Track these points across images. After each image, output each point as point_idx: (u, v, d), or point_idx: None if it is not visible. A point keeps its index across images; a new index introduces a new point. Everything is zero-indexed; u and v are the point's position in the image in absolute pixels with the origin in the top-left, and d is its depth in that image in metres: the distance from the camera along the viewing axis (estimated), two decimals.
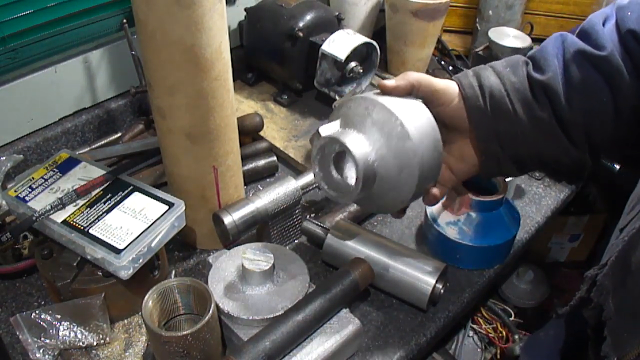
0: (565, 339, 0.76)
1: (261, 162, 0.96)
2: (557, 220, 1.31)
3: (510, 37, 1.07)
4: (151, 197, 0.75)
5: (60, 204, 0.73)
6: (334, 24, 1.08)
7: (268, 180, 0.98)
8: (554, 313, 0.80)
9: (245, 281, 0.69)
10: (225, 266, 0.72)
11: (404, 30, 1.13)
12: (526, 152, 0.58)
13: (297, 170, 0.99)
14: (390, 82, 0.58)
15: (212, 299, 0.63)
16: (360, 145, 0.55)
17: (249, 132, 1.00)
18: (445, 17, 1.15)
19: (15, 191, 0.76)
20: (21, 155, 0.89)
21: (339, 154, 0.57)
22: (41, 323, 0.69)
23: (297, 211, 0.84)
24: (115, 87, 1.04)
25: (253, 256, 0.69)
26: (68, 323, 0.70)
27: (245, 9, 1.10)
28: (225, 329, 0.68)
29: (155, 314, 0.65)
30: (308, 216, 0.89)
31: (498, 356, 1.08)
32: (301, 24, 1.03)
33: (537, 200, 0.96)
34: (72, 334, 0.70)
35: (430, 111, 0.58)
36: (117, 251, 0.68)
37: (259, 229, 0.83)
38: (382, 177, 0.56)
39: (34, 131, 0.96)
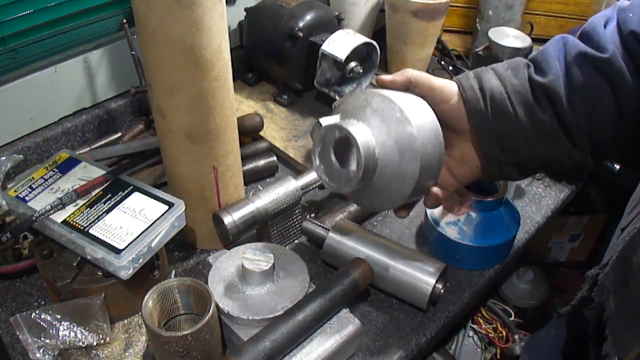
0: (566, 339, 0.76)
1: (261, 162, 0.96)
2: (557, 220, 1.31)
3: (510, 37, 1.07)
4: (151, 197, 0.75)
5: (60, 204, 0.73)
6: (334, 24, 1.08)
7: (268, 180, 0.98)
8: (555, 313, 0.80)
9: (245, 281, 0.69)
10: (225, 266, 0.72)
11: (404, 30, 1.13)
12: (528, 154, 0.58)
13: (297, 170, 0.99)
14: (388, 77, 0.59)
15: (212, 299, 0.63)
16: (361, 130, 0.55)
17: (249, 132, 1.00)
18: (445, 17, 1.15)
19: (15, 191, 0.76)
20: (21, 155, 0.89)
21: (340, 144, 0.57)
22: (41, 323, 0.69)
23: (297, 211, 0.84)
24: (115, 87, 1.04)
25: (253, 256, 0.69)
26: (68, 323, 0.70)
27: (245, 9, 1.10)
28: (225, 329, 0.68)
29: (155, 314, 0.65)
30: (308, 216, 0.89)
31: (498, 356, 1.08)
32: (301, 24, 1.03)
33: (537, 200, 0.96)
34: (72, 334, 0.70)
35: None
36: (117, 251, 0.68)
37: (259, 229, 0.83)
38: (383, 164, 0.56)
39: (34, 131, 0.96)
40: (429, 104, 0.58)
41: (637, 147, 0.58)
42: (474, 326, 1.08)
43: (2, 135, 0.92)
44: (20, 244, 0.80)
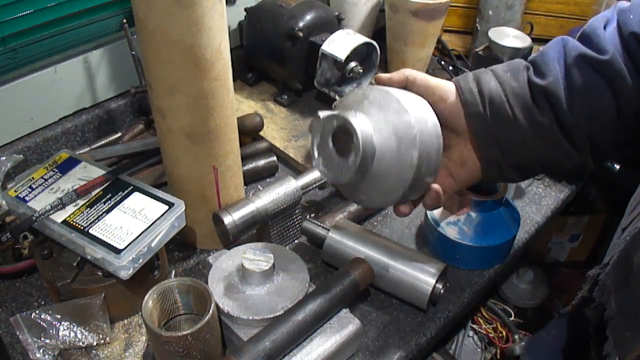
0: (568, 339, 0.76)
1: (261, 162, 0.96)
2: (557, 220, 1.31)
3: (510, 37, 1.07)
4: (151, 197, 0.75)
5: (60, 204, 0.73)
6: (334, 24, 1.08)
7: (268, 180, 0.98)
8: (556, 313, 0.80)
9: (245, 281, 0.69)
10: (225, 266, 0.72)
11: (404, 30, 1.13)
12: (527, 157, 0.58)
13: (297, 170, 0.99)
14: (386, 75, 0.60)
15: (212, 299, 0.63)
16: (359, 118, 0.55)
17: (249, 132, 1.00)
18: (445, 17, 1.15)
19: (15, 191, 0.76)
20: (21, 155, 0.88)
21: (338, 134, 0.56)
22: (41, 323, 0.69)
23: (297, 211, 0.84)
24: (115, 87, 1.04)
25: (253, 256, 0.69)
26: (68, 323, 0.70)
27: (245, 9, 1.10)
28: (225, 329, 0.68)
29: (155, 314, 0.65)
30: (308, 216, 0.89)
31: (498, 356, 1.08)
32: (301, 24, 1.03)
33: (537, 200, 0.96)
34: (72, 334, 0.70)
35: None
36: (117, 251, 0.68)
37: (259, 229, 0.83)
38: (382, 152, 0.55)
39: (34, 131, 0.96)
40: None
41: (637, 147, 0.57)
42: (474, 326, 1.08)
43: (2, 135, 0.92)
44: (20, 244, 0.80)
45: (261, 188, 0.85)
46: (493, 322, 1.09)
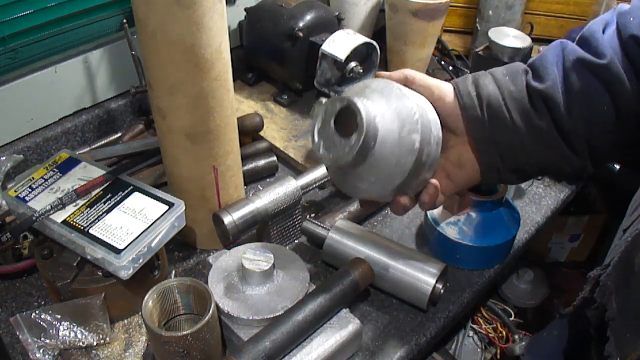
0: (569, 339, 0.76)
1: (261, 162, 0.96)
2: (557, 220, 1.31)
3: (510, 37, 1.07)
4: (151, 197, 0.75)
5: (60, 204, 0.73)
6: (334, 24, 1.08)
7: (268, 180, 0.98)
8: (557, 313, 0.80)
9: (245, 281, 0.69)
10: (225, 266, 0.72)
11: (404, 30, 1.13)
12: (526, 161, 0.57)
13: (297, 170, 0.99)
14: (386, 74, 0.60)
15: (212, 299, 0.63)
16: (362, 100, 0.55)
17: (249, 132, 1.00)
18: (445, 17, 1.15)
19: (15, 191, 0.76)
20: (21, 155, 0.88)
21: (340, 118, 0.56)
22: (41, 323, 0.69)
23: (297, 211, 0.84)
24: (115, 87, 1.04)
25: (253, 256, 0.69)
26: (68, 323, 0.70)
27: (245, 9, 1.10)
28: (225, 329, 0.68)
29: (155, 314, 0.65)
30: (308, 216, 0.89)
31: (498, 356, 1.08)
32: (301, 24, 1.03)
33: (537, 200, 0.96)
34: (72, 334, 0.70)
35: None
36: (117, 251, 0.68)
37: (259, 229, 0.83)
38: (383, 135, 0.55)
39: (34, 131, 0.96)
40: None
41: (637, 149, 0.57)
42: (474, 326, 1.08)
43: (2, 135, 0.92)
44: (20, 244, 0.80)
45: (261, 188, 0.85)
46: (493, 322, 1.09)
